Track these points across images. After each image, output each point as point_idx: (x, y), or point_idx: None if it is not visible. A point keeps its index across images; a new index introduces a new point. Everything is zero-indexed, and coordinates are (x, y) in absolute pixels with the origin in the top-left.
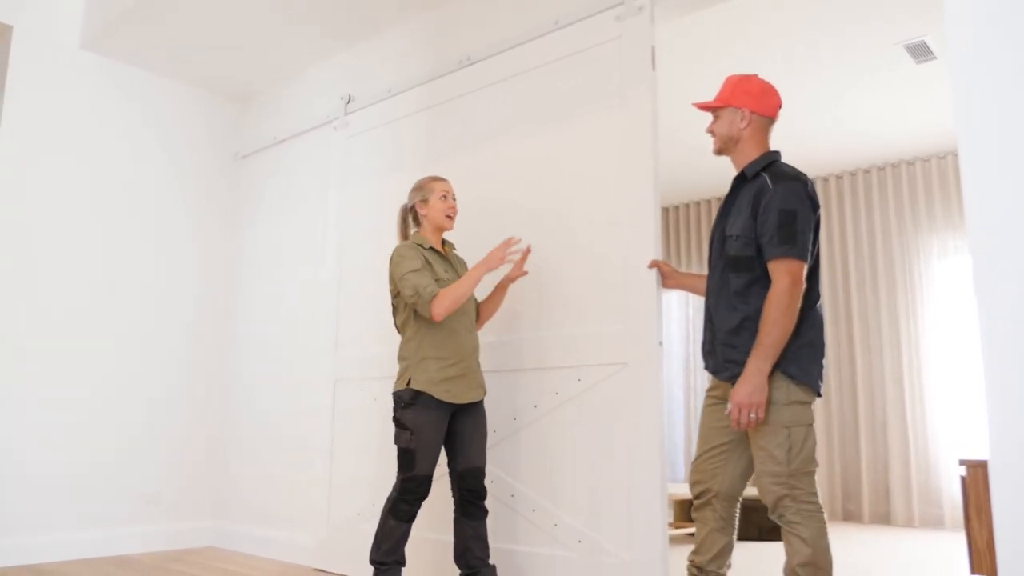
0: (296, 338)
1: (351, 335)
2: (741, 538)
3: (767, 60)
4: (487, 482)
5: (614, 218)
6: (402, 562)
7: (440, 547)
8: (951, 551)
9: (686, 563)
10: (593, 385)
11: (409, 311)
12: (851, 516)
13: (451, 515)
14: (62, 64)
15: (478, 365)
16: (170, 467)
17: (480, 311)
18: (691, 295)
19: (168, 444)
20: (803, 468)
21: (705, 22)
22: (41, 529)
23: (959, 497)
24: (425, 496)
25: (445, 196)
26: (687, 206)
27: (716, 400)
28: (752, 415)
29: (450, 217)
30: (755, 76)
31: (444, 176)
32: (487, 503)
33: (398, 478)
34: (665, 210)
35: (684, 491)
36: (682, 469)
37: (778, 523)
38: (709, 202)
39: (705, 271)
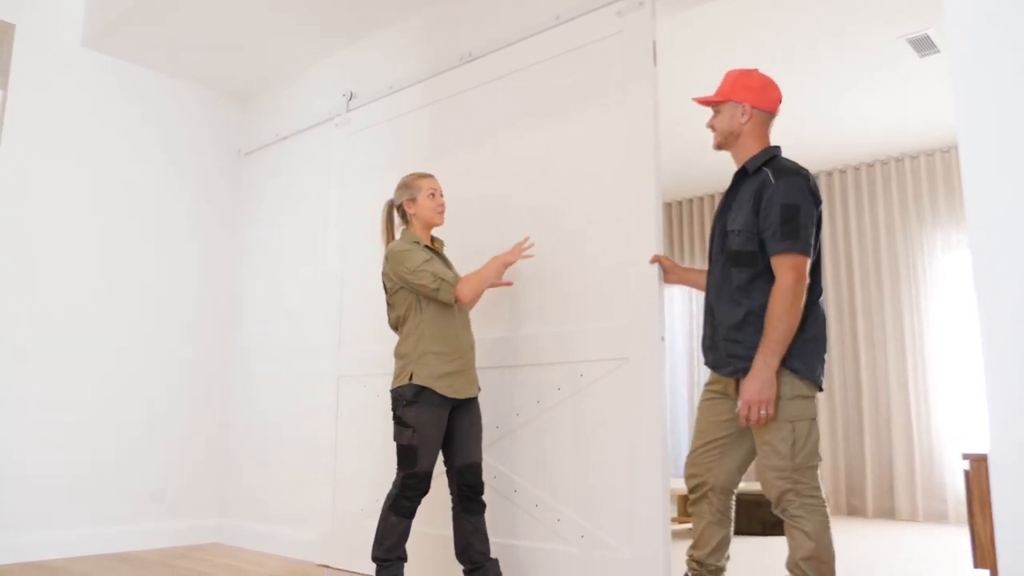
0: (299, 336)
1: (354, 332)
2: (745, 533)
3: (769, 55)
4: (490, 477)
5: (615, 213)
6: (404, 558)
7: (441, 542)
8: (955, 546)
9: (685, 558)
10: (595, 381)
11: (409, 307)
12: (855, 511)
13: (451, 510)
14: (64, 62)
15: (474, 361)
16: (170, 467)
17: None
18: (694, 290)
19: (168, 444)
20: (806, 462)
21: (706, 16)
22: (45, 527)
23: (963, 491)
24: (426, 492)
25: (433, 194)
26: (690, 201)
27: (716, 395)
28: (762, 412)
29: (440, 214)
30: (755, 71)
31: (431, 172)
32: (487, 497)
33: (399, 475)
34: (668, 205)
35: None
36: None
37: (781, 517)
38: (712, 197)
39: (707, 266)
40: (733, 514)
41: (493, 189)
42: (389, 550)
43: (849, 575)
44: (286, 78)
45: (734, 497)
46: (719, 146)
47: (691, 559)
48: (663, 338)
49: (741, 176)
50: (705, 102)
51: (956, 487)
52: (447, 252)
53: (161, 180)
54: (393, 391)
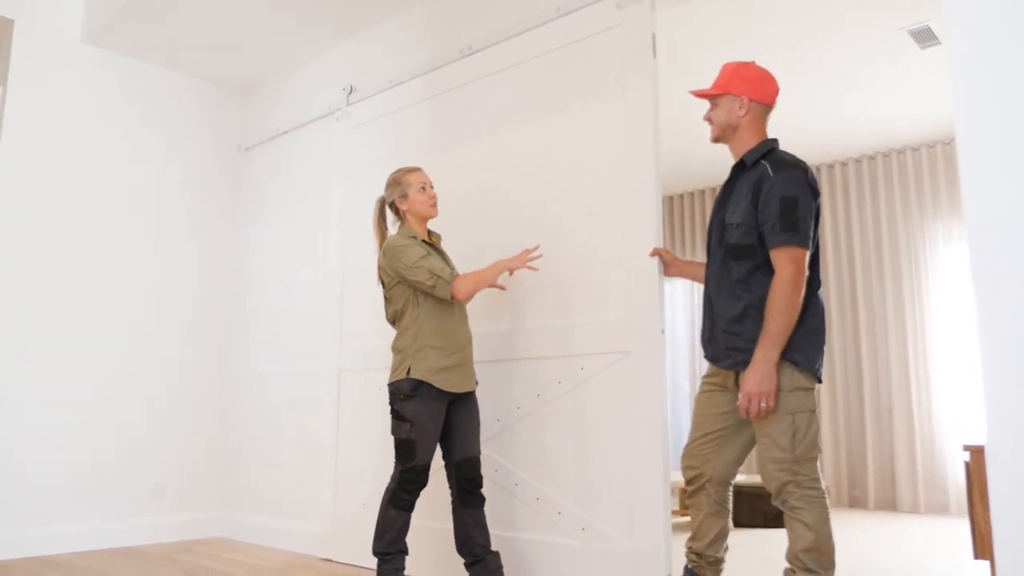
0: (300, 331)
1: (355, 325)
2: (746, 525)
3: (770, 47)
4: (491, 470)
5: (615, 206)
6: (405, 551)
7: (441, 535)
8: (956, 537)
9: (684, 549)
10: (596, 374)
11: (406, 301)
12: (857, 503)
13: (450, 503)
14: (63, 58)
15: (472, 355)
16: (171, 466)
17: None
18: (695, 283)
19: (169, 443)
20: (806, 454)
21: (706, 9)
22: (47, 522)
23: (964, 483)
24: (424, 485)
25: (424, 187)
26: (691, 195)
27: (714, 387)
28: (763, 404)
29: (433, 206)
30: (752, 63)
31: (420, 166)
32: (487, 491)
33: (397, 468)
34: (669, 199)
35: None
36: None
37: (781, 509)
38: (714, 190)
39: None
40: (731, 505)
41: (493, 182)
42: (390, 544)
43: (850, 567)
44: (286, 72)
45: (731, 488)
46: (717, 139)
47: (690, 551)
48: (663, 331)
49: (739, 169)
50: (702, 95)
51: (957, 479)
52: (444, 245)
53: (161, 176)
54: (391, 385)
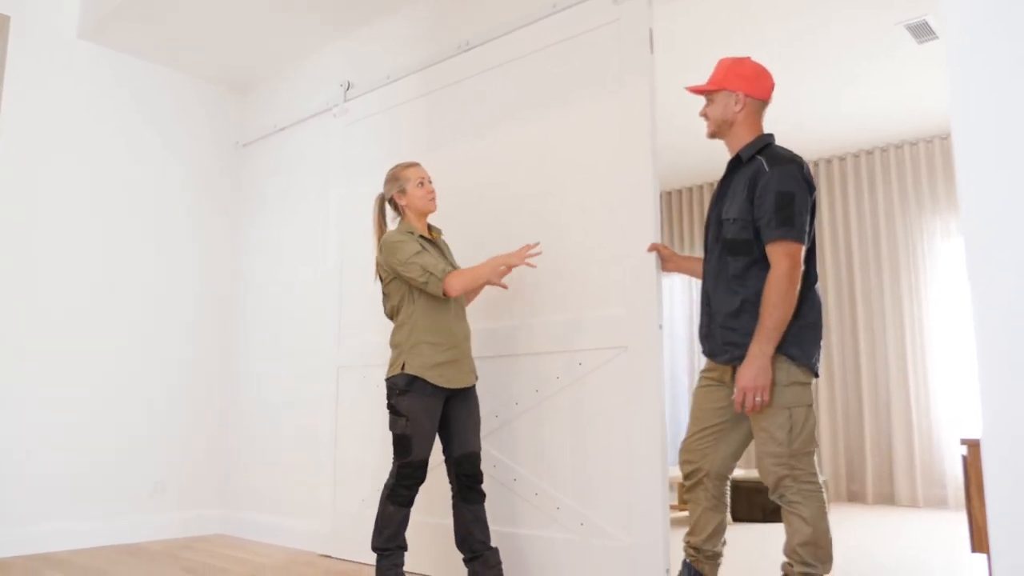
0: (298, 328)
1: (353, 322)
2: (745, 520)
3: (767, 42)
4: (490, 466)
5: (613, 202)
6: (404, 547)
7: (440, 531)
8: (954, 531)
9: (682, 544)
10: (594, 369)
11: (402, 297)
12: (855, 497)
13: (450, 499)
14: (60, 54)
15: (470, 351)
16: (171, 466)
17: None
18: (693, 278)
19: (169, 443)
20: (803, 448)
21: (704, 4)
22: (47, 520)
23: (962, 477)
24: (422, 480)
25: (422, 182)
26: (689, 190)
27: (712, 382)
28: (757, 398)
29: (431, 201)
30: (748, 59)
31: (418, 161)
32: (486, 486)
33: (395, 464)
34: (668, 194)
35: None
36: None
37: (779, 503)
38: (712, 185)
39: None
40: (729, 500)
41: (491, 178)
42: (389, 539)
43: (848, 561)
44: (284, 69)
45: (729, 483)
46: (713, 135)
47: (688, 545)
48: (661, 326)
49: (735, 164)
50: (698, 91)
51: (956, 473)
52: (446, 239)
53: (160, 176)
54: (387, 380)
